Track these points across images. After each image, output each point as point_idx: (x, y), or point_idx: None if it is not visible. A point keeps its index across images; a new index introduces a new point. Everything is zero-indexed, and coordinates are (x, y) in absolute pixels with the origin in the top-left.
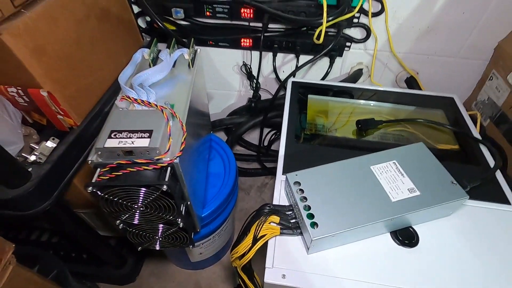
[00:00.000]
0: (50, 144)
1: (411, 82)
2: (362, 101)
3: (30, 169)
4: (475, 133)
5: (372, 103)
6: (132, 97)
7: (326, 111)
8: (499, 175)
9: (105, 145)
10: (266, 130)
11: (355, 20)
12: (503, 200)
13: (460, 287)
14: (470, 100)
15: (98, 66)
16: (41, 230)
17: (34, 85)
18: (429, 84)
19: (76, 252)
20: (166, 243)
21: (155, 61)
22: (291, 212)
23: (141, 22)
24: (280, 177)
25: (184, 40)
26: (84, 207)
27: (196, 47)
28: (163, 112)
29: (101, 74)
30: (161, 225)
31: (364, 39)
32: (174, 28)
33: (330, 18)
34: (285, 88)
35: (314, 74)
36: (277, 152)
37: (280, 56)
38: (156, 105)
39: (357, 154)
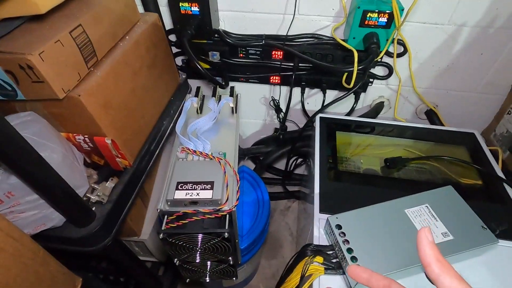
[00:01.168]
0: (110, 184)
1: (431, 114)
2: (386, 136)
3: (93, 208)
4: (498, 170)
5: (395, 138)
6: (192, 149)
7: (354, 146)
8: None
9: (175, 197)
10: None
11: (379, 60)
12: None
13: None
14: (488, 130)
15: (147, 109)
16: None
17: (99, 134)
18: (448, 115)
19: (114, 275)
20: (214, 276)
21: (201, 107)
22: (332, 252)
23: (178, 60)
24: (317, 215)
25: (218, 78)
26: (127, 235)
27: (237, 93)
28: (220, 164)
29: (149, 116)
30: (211, 262)
31: (387, 76)
32: (208, 66)
33: (361, 67)
34: (313, 122)
35: (338, 107)
36: (299, 176)
37: (305, 89)
38: (213, 157)
39: (386, 192)
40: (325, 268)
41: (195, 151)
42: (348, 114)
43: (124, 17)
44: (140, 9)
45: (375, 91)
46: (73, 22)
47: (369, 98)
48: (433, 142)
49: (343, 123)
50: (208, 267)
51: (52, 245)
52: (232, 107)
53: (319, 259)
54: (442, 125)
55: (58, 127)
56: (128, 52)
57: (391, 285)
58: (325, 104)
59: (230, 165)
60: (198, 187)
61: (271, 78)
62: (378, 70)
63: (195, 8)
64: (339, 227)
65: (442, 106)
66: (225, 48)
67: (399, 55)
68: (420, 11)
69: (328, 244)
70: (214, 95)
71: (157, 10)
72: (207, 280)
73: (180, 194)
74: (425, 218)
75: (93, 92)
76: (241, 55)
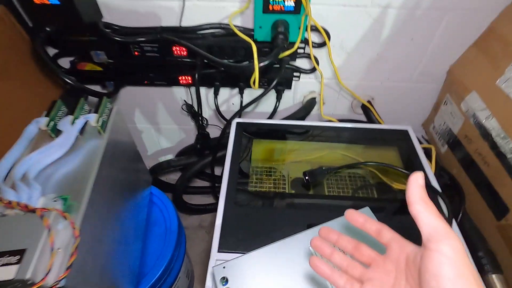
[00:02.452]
0: None
1: (366, 109)
2: (313, 142)
3: None
4: (431, 175)
5: (323, 143)
6: (6, 200)
7: (274, 155)
8: (455, 227)
9: None
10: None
11: (300, 51)
12: None
13: None
14: (428, 122)
15: None
16: None
17: None
18: (385, 108)
19: None
20: None
21: (56, 130)
22: None
23: (64, 63)
24: (215, 255)
25: (111, 82)
26: None
27: (110, 106)
28: (42, 219)
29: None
30: None
31: (312, 70)
32: (100, 69)
33: (264, 64)
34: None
35: (265, 106)
36: None
37: (226, 88)
38: (35, 209)
39: (306, 214)
40: None
41: (10, 203)
42: (271, 116)
43: None
44: None
45: (305, 86)
46: None
47: (299, 94)
48: (366, 143)
49: (263, 128)
50: None
51: None
52: (97, 128)
53: None
54: (378, 121)
55: None
56: None
57: (383, 229)
58: (243, 105)
59: (65, 216)
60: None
61: (180, 78)
62: (303, 63)
63: None
64: (224, 281)
65: (378, 99)
66: (111, 46)
67: (321, 44)
68: None
69: None
70: (71, 112)
71: (5, 0)
72: None
73: None
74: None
75: None
76: (136, 53)
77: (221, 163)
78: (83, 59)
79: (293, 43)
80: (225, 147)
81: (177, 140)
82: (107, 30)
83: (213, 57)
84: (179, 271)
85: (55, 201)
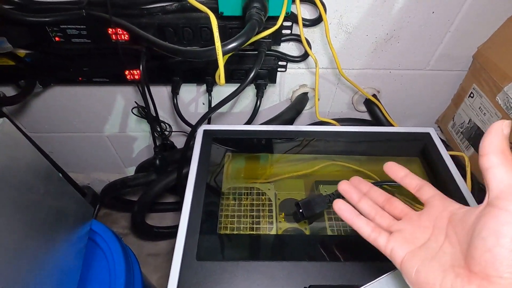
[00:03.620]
0: None
1: (370, 105)
2: (305, 153)
3: None
4: (466, 191)
5: (320, 154)
6: None
7: (254, 173)
8: None
9: None
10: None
11: (286, 31)
12: None
13: None
14: (445, 119)
15: None
16: None
17: None
18: (393, 104)
19: None
20: None
21: None
22: None
23: None
24: None
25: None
26: None
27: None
28: None
29: None
30: None
31: (303, 57)
32: (12, 63)
33: (229, 47)
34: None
35: (243, 106)
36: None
37: (192, 85)
38: None
39: (302, 271)
40: None
41: None
42: (250, 119)
43: None
44: None
45: (293, 79)
46: None
47: (286, 89)
48: (376, 152)
49: (238, 137)
50: None
51: None
52: None
53: None
54: (386, 119)
55: None
56: None
57: (425, 185)
58: (211, 107)
59: None
60: None
61: (127, 73)
62: (291, 49)
63: None
64: None
65: (385, 92)
66: (19, 29)
67: (313, 22)
68: None
69: None
70: None
71: None
72: None
73: None
74: None
75: None
76: (56, 38)
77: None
78: None
79: (275, 19)
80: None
81: (137, 150)
82: (5, 6)
83: (160, 40)
84: None
85: None
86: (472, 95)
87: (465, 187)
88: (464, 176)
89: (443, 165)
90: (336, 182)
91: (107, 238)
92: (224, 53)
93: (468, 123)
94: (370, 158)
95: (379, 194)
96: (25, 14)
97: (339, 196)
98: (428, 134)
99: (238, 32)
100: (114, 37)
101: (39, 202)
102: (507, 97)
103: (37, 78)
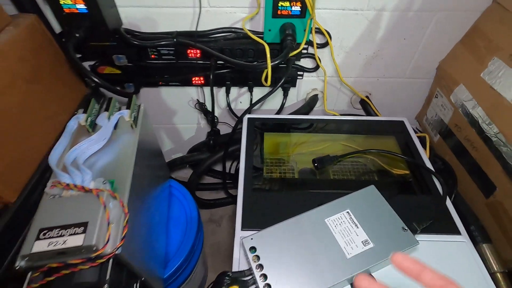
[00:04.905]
0: None
1: (364, 104)
2: (318, 133)
3: None
4: (425, 159)
5: (330, 134)
6: (64, 183)
7: (283, 146)
8: (449, 203)
9: (33, 251)
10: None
11: (304, 51)
12: (454, 230)
13: None
14: (421, 114)
15: (30, 133)
16: None
17: None
18: (382, 103)
19: None
20: None
21: (93, 125)
22: (250, 278)
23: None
24: (239, 233)
25: (130, 84)
26: None
27: (138, 103)
28: (99, 198)
29: (36, 141)
30: None
31: (315, 69)
32: (118, 72)
33: (275, 62)
34: (242, 123)
35: (272, 103)
36: None
37: (235, 88)
38: (91, 189)
39: (315, 196)
40: None
41: (68, 185)
42: (278, 111)
43: None
44: (12, 9)
45: (307, 84)
46: None
47: (302, 91)
48: (366, 134)
49: (272, 123)
50: None
51: None
52: (130, 122)
53: (235, 287)
54: (376, 114)
55: None
56: None
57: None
58: (252, 103)
59: (116, 196)
60: (67, 232)
61: (193, 79)
62: (306, 63)
63: (81, 6)
64: (253, 250)
65: (375, 94)
66: (131, 50)
67: (323, 45)
68: None
69: (246, 269)
70: (107, 108)
71: (36, 10)
72: None
73: (40, 246)
74: (345, 227)
75: None
76: (152, 56)
77: (232, 157)
78: (102, 63)
79: (298, 44)
80: (236, 142)
81: (186, 139)
82: (128, 35)
83: (229, 58)
84: (198, 259)
85: (104, 183)
86: (437, 96)
87: (425, 156)
88: (425, 148)
89: (411, 141)
90: (337, 156)
91: (181, 190)
92: (272, 67)
93: (435, 117)
94: (360, 137)
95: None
96: (137, 40)
97: (341, 157)
98: (402, 121)
99: (275, 53)
100: (190, 55)
101: (153, 165)
102: (456, 96)
103: (133, 82)
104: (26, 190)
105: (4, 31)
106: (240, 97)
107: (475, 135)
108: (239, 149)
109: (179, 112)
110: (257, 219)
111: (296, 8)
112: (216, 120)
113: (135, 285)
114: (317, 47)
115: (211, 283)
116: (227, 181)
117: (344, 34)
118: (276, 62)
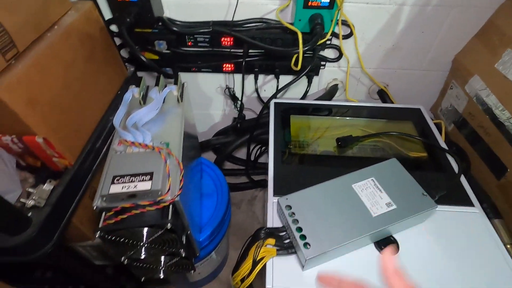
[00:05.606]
0: (48, 186)
1: (382, 94)
2: (339, 117)
3: (29, 214)
4: (441, 142)
5: (348, 118)
6: (130, 141)
7: (308, 128)
8: (463, 180)
9: (110, 192)
10: (251, 145)
11: (328, 42)
12: (468, 203)
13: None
14: (435, 106)
15: (87, 105)
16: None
17: (29, 133)
18: (398, 94)
19: (73, 285)
20: (169, 271)
21: (144, 98)
22: (284, 233)
23: (124, 53)
24: (271, 199)
25: (167, 69)
26: (79, 240)
27: (183, 81)
28: (160, 154)
29: (90, 112)
30: (164, 256)
31: (337, 59)
32: (157, 57)
33: (306, 48)
34: (268, 108)
35: (293, 92)
36: (264, 164)
37: (260, 76)
38: (153, 147)
39: (339, 170)
40: (277, 249)
41: (133, 143)
42: (302, 98)
43: (49, 5)
44: None
45: (329, 74)
46: None
47: (323, 81)
48: (384, 119)
49: (297, 107)
50: (162, 262)
51: None
52: (177, 96)
53: (271, 241)
54: (392, 103)
55: None
56: (57, 43)
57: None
58: (278, 89)
59: (172, 155)
60: (136, 179)
61: (224, 66)
62: (329, 53)
63: None
64: (289, 207)
65: (392, 85)
66: (171, 37)
67: (346, 36)
68: None
69: (280, 226)
70: (157, 84)
71: None
72: (161, 276)
73: (116, 188)
74: (370, 191)
75: (13, 87)
76: (189, 43)
77: (256, 141)
78: (142, 49)
79: (325, 34)
80: (261, 127)
81: (210, 125)
82: (170, 23)
83: (264, 44)
84: (227, 229)
85: (161, 144)
86: (452, 87)
87: (441, 139)
88: (441, 133)
89: (427, 126)
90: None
91: (211, 166)
92: (303, 53)
93: (450, 107)
94: (379, 122)
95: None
96: (178, 27)
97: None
98: (419, 109)
99: (304, 41)
100: (223, 43)
101: (191, 139)
102: (470, 86)
103: (170, 67)
104: (82, 155)
105: (67, 14)
106: (264, 85)
107: (488, 122)
108: (264, 133)
109: (207, 99)
110: (287, 188)
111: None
112: (242, 106)
113: (183, 236)
114: (342, 38)
115: (249, 237)
116: (248, 166)
117: (366, 27)
118: (308, 47)
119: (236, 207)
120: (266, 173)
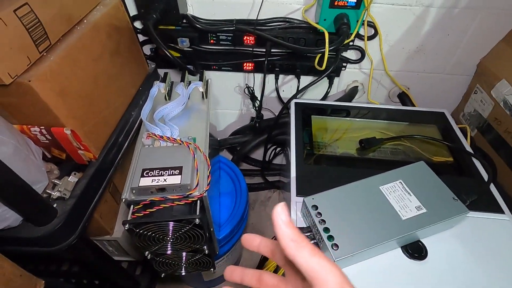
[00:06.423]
0: (73, 179)
1: (403, 97)
2: (361, 119)
3: (55, 205)
4: (467, 146)
5: (370, 120)
6: (158, 135)
7: (329, 129)
8: (491, 186)
9: (140, 184)
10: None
11: (351, 43)
12: (498, 209)
13: None
14: (458, 111)
15: (112, 99)
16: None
17: (57, 124)
18: (419, 98)
19: (88, 278)
20: (190, 268)
21: (170, 93)
22: (309, 234)
23: (146, 49)
24: (294, 199)
25: (189, 66)
26: (97, 234)
27: (207, 78)
28: (189, 148)
29: (115, 106)
30: (187, 253)
31: (359, 60)
32: (178, 54)
33: (332, 48)
34: (288, 108)
35: (313, 93)
36: (279, 166)
37: (280, 76)
38: (182, 142)
39: (362, 172)
40: None
41: (162, 137)
42: (323, 99)
43: None
44: None
45: (349, 76)
46: (17, 0)
47: (343, 83)
48: (406, 122)
49: (318, 108)
50: (184, 258)
51: (9, 248)
52: (202, 92)
53: None
54: (414, 106)
55: (9, 118)
56: (86, 37)
57: (262, 276)
58: (299, 89)
59: (200, 150)
60: (166, 173)
61: (244, 65)
62: (351, 54)
63: None
64: (315, 207)
65: (414, 88)
66: (194, 34)
67: (370, 37)
68: None
69: (305, 226)
70: (183, 80)
71: None
72: (183, 273)
73: (146, 181)
74: (399, 194)
75: (46, 78)
76: (211, 41)
77: (273, 141)
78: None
79: (350, 34)
80: (279, 127)
81: (227, 124)
82: (194, 20)
83: (288, 43)
84: (245, 228)
85: (189, 138)
86: (476, 92)
87: (466, 144)
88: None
89: (452, 130)
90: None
91: (230, 165)
92: (329, 52)
93: (473, 112)
94: (402, 124)
95: (251, 276)
96: (202, 25)
97: (387, 140)
98: (443, 113)
99: (330, 40)
100: (246, 42)
101: (213, 135)
102: (497, 91)
103: (191, 64)
104: (105, 148)
105: (96, 9)
106: (283, 86)
107: None
108: (282, 133)
109: (225, 97)
110: (309, 188)
111: None
112: (261, 106)
113: (207, 233)
114: (364, 39)
115: (273, 237)
116: (264, 167)
117: (391, 28)
118: (334, 46)
119: (250, 207)
120: (281, 174)
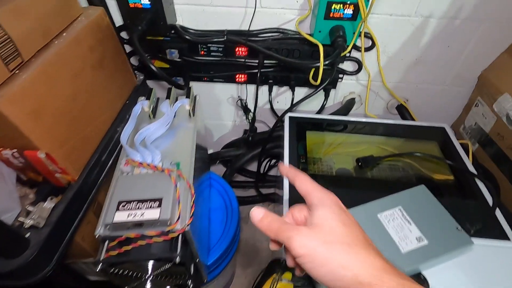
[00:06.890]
0: (48, 204)
1: (401, 109)
2: (359, 134)
3: (28, 235)
4: (470, 165)
5: (368, 135)
6: (138, 161)
7: (325, 144)
8: (497, 211)
9: (114, 220)
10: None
11: (347, 55)
12: (503, 236)
13: None
14: (458, 123)
15: (94, 116)
16: None
17: (30, 147)
18: (418, 109)
19: None
20: None
21: (155, 111)
22: None
23: (134, 60)
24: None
25: (178, 78)
26: (79, 257)
27: (195, 94)
28: (170, 177)
29: (97, 123)
30: (170, 287)
31: (356, 72)
32: (167, 66)
33: (327, 62)
34: (282, 122)
35: (309, 105)
36: (274, 177)
37: (274, 87)
38: (163, 169)
39: (360, 194)
40: (294, 285)
41: (141, 163)
42: (319, 112)
43: (59, 11)
44: (84, 2)
45: (346, 87)
46: None
47: (339, 94)
48: (405, 138)
49: (313, 122)
50: None
51: None
52: (189, 110)
53: (288, 275)
54: (413, 119)
55: None
56: (65, 51)
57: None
58: (294, 102)
59: (183, 177)
60: (144, 205)
61: (237, 76)
62: (347, 66)
63: (146, 1)
64: None
65: (412, 100)
66: (184, 45)
67: (367, 49)
68: (386, 2)
69: None
70: (168, 97)
71: (103, 3)
72: None
73: (121, 216)
74: (398, 223)
75: (16, 99)
76: (202, 52)
77: (267, 155)
78: (152, 57)
79: (346, 47)
80: (273, 140)
81: (219, 136)
82: (183, 31)
83: (281, 56)
84: (236, 250)
85: (172, 165)
86: (477, 105)
87: (468, 162)
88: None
89: (453, 147)
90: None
91: (221, 182)
92: (324, 66)
93: (474, 125)
94: (400, 140)
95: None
96: (191, 36)
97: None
98: (443, 128)
99: (324, 54)
100: (237, 53)
101: (202, 154)
102: (499, 105)
103: (181, 76)
104: (86, 169)
105: (77, 21)
106: (277, 97)
107: None
108: (276, 147)
109: (217, 109)
110: None
111: (349, 11)
112: (254, 118)
113: (192, 266)
114: (361, 51)
115: (261, 271)
116: (258, 179)
117: (389, 39)
118: (329, 61)
119: (244, 222)
120: (276, 187)
